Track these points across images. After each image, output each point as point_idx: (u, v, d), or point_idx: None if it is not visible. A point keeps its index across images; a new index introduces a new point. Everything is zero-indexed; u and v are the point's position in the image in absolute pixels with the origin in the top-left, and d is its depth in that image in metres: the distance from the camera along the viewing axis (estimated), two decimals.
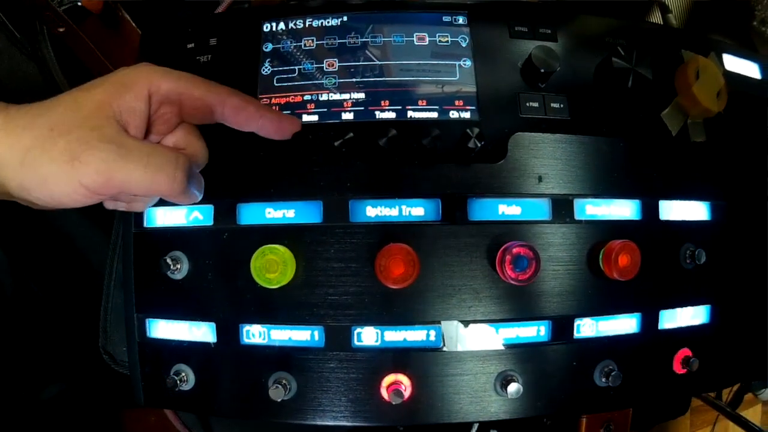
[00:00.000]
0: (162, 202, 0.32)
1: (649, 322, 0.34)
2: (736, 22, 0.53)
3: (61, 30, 0.44)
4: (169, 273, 0.32)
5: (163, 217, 0.33)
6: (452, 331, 0.31)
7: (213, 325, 0.32)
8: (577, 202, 0.32)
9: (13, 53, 0.46)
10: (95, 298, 0.40)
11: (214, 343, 0.32)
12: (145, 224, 0.34)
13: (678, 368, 0.34)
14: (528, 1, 0.39)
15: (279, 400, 0.30)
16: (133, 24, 0.47)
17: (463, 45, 0.34)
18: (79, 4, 0.44)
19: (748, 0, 0.50)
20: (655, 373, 0.34)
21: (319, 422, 0.31)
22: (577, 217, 0.32)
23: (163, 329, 0.33)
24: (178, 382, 0.32)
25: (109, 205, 0.28)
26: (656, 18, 0.53)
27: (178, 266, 0.32)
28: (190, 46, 0.35)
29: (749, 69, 0.42)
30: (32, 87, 0.48)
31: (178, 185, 0.24)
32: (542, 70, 0.32)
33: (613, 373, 0.32)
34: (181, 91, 0.25)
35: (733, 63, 0.41)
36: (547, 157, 0.32)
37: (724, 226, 0.36)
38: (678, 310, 0.34)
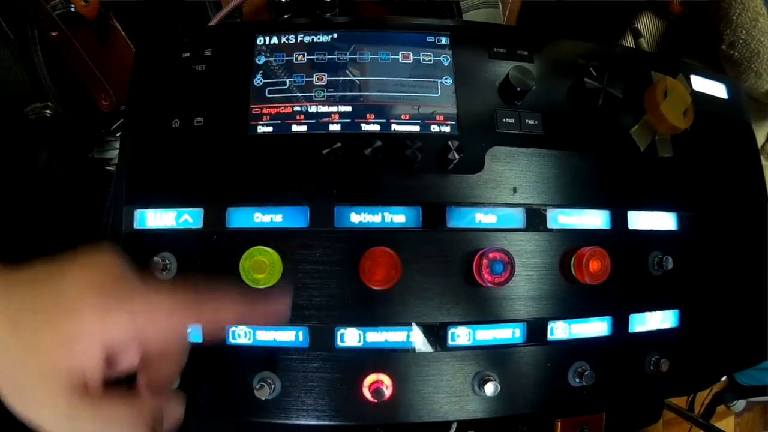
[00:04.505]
0: (153, 205, 0.33)
1: (620, 325, 0.35)
2: (705, 45, 0.56)
3: (54, 34, 0.45)
4: (158, 273, 0.32)
5: (153, 219, 0.34)
6: (431, 333, 0.32)
7: (199, 324, 0.33)
8: (550, 212, 0.34)
9: (5, 55, 0.46)
10: None
11: (201, 343, 0.33)
12: (136, 225, 0.34)
13: (649, 369, 0.36)
14: (507, 25, 0.42)
15: (264, 398, 0.31)
16: (124, 35, 0.48)
17: (445, 64, 0.36)
18: (73, 9, 0.45)
19: (718, 25, 0.53)
20: (626, 375, 0.36)
21: (303, 422, 0.32)
22: (549, 226, 0.34)
23: None
24: None
25: None
26: (629, 42, 0.56)
27: (167, 266, 0.32)
28: (185, 55, 0.37)
29: (716, 89, 0.44)
30: (20, 91, 0.47)
31: None
32: (519, 89, 0.34)
33: (586, 373, 0.33)
34: (137, 333, 0.22)
35: (701, 84, 0.43)
36: (521, 169, 0.34)
37: (691, 235, 0.38)
38: (647, 314, 0.36)
